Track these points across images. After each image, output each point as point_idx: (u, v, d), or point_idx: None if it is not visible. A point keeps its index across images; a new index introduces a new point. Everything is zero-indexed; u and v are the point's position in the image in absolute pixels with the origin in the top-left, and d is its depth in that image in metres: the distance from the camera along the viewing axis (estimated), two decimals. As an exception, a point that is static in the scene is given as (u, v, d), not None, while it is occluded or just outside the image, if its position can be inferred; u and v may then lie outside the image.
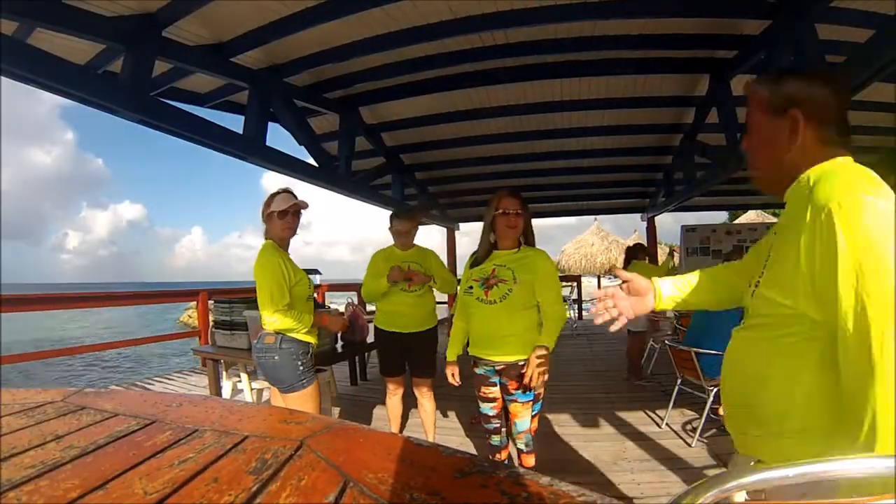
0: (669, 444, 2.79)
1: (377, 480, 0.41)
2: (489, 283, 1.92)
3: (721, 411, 3.01)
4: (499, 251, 1.99)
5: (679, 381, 3.15)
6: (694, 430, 3.01)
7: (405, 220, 2.61)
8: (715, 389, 2.86)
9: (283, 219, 2.08)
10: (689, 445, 2.80)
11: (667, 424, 3.09)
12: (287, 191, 2.14)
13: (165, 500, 0.38)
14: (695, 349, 2.87)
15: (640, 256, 4.67)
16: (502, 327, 1.88)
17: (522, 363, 1.84)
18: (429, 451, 0.51)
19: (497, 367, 1.92)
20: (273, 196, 2.12)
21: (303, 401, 2.03)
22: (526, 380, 1.80)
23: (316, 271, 3.57)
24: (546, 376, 1.81)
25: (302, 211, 2.16)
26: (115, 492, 0.40)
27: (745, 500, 0.92)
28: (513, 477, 0.41)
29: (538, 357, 1.78)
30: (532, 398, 1.89)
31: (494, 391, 1.98)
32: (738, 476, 0.70)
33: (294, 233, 2.15)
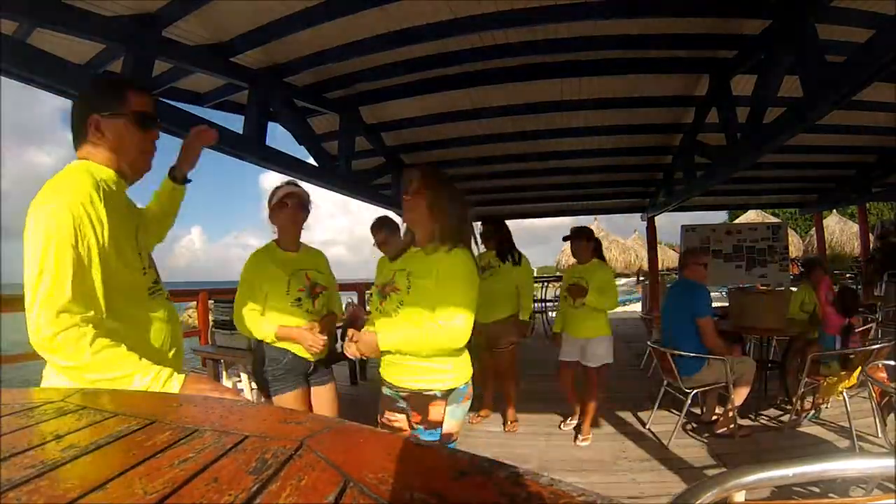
0: (669, 445, 2.79)
1: (377, 480, 0.41)
2: (384, 290, 1.54)
3: (702, 412, 3.03)
4: (414, 249, 1.57)
5: (665, 382, 3.15)
6: (694, 430, 3.02)
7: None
8: (693, 392, 2.86)
9: (282, 210, 1.96)
10: (689, 445, 2.80)
11: (668, 425, 3.09)
12: (289, 182, 2.03)
13: (165, 500, 0.38)
14: (672, 351, 2.87)
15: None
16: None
17: (432, 393, 1.45)
18: (429, 451, 0.51)
19: (401, 394, 1.52)
20: (275, 189, 2.01)
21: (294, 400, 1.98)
22: (346, 348, 1.51)
23: (316, 271, 3.57)
24: (356, 351, 1.49)
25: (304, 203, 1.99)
26: (115, 492, 0.40)
27: (745, 499, 0.92)
28: (512, 477, 0.41)
29: (365, 340, 1.47)
30: (438, 437, 1.45)
31: (400, 419, 1.55)
32: (737, 476, 0.70)
33: (298, 226, 1.99)
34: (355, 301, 4.23)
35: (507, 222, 3.58)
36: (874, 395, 2.71)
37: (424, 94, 3.80)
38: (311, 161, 4.15)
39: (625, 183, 6.88)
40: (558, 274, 13.78)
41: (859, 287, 7.74)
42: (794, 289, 4.22)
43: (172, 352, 1.18)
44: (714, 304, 3.12)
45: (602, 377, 2.97)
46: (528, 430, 3.17)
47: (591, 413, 3.00)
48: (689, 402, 2.87)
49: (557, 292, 8.12)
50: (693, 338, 2.88)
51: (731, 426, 2.85)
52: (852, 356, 2.79)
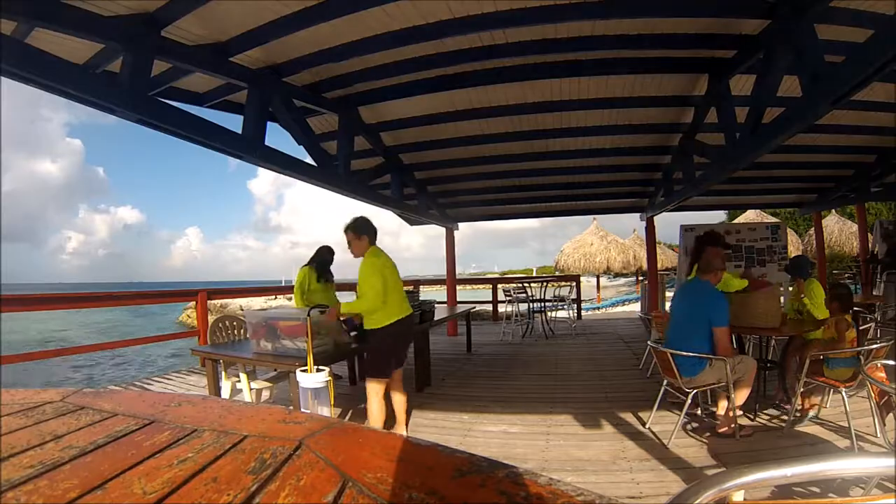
0: (669, 444, 2.79)
1: (376, 480, 0.41)
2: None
3: (699, 411, 3.04)
4: None
5: (665, 381, 3.15)
6: (693, 429, 3.02)
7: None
8: (693, 391, 2.86)
9: None
10: (689, 445, 2.80)
11: (668, 424, 3.09)
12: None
13: (164, 500, 0.38)
14: (672, 351, 2.87)
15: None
16: None
17: None
18: (427, 451, 0.51)
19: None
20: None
21: None
22: None
23: (315, 271, 3.57)
24: None
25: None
26: (115, 492, 0.40)
27: (744, 499, 0.92)
28: (511, 476, 0.41)
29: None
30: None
31: None
32: (737, 475, 0.70)
33: None
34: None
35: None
36: (873, 394, 2.71)
37: (423, 93, 3.80)
38: (310, 160, 4.14)
39: (624, 183, 6.89)
40: (557, 274, 13.77)
41: (858, 287, 7.75)
42: (791, 288, 4.22)
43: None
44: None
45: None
46: (528, 430, 3.17)
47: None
48: (689, 401, 2.87)
49: (557, 292, 8.12)
50: (704, 339, 2.89)
51: (732, 426, 2.85)
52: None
